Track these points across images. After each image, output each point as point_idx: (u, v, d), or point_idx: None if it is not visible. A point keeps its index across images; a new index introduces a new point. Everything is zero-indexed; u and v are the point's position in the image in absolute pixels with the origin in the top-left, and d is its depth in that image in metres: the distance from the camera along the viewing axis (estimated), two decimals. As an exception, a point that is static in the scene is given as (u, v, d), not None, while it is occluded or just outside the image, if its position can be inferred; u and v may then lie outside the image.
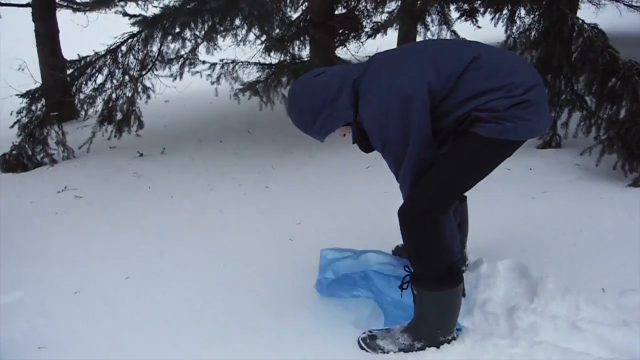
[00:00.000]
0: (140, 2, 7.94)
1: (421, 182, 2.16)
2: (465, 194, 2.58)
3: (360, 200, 3.84)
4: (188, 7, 5.57)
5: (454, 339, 2.23)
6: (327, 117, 2.19)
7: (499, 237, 3.06)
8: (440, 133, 2.15)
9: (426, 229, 2.15)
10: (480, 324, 2.33)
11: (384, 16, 7.98)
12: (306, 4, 6.82)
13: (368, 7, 7.65)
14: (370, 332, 2.31)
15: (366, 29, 7.75)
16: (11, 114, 5.55)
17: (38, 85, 5.96)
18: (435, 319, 2.21)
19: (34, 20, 7.00)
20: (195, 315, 2.62)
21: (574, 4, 4.70)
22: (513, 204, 3.50)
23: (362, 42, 7.60)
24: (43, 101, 5.66)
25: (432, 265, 2.18)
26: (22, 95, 5.57)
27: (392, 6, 7.85)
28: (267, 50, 6.44)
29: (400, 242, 2.94)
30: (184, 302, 2.74)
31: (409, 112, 2.05)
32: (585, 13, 5.20)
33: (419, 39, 7.42)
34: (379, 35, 8.21)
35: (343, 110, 2.18)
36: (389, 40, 8.43)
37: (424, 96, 2.04)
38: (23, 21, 7.43)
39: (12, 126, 5.54)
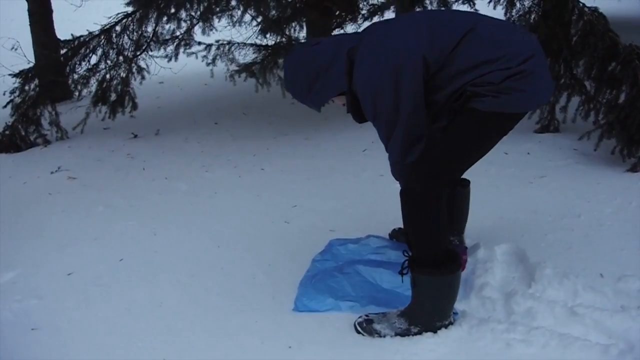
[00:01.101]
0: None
1: (422, 161, 2.13)
2: (468, 179, 2.56)
3: (356, 183, 3.82)
4: (183, -14, 5.50)
5: (451, 323, 2.21)
6: (322, 86, 2.15)
7: (496, 222, 3.05)
8: (433, 107, 2.11)
9: (428, 208, 2.13)
10: (477, 309, 2.31)
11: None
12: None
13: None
14: (366, 316, 2.30)
15: (363, 11, 7.67)
16: (4, 94, 5.49)
17: (31, 65, 5.89)
18: (433, 304, 2.19)
19: (28, 0, 6.91)
20: (189, 297, 2.60)
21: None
22: (510, 189, 3.48)
23: (359, 24, 7.53)
24: (36, 81, 5.58)
25: (433, 248, 2.15)
26: (15, 75, 5.49)
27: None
28: (263, 31, 6.37)
29: (396, 225, 2.93)
30: (178, 284, 2.71)
31: (402, 80, 2.00)
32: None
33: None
34: (375, 18, 8.14)
35: (337, 79, 2.13)
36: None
37: (417, 65, 2.00)
38: (16, 0, 7.33)
39: (5, 106, 5.48)
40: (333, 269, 2.62)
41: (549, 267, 2.44)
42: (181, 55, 5.98)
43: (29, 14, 6.97)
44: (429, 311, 2.19)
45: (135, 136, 5.46)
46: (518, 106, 2.06)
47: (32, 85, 5.54)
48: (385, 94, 2.04)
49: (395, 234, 2.97)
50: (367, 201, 3.48)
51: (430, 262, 2.15)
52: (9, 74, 5.50)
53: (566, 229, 2.93)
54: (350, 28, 7.41)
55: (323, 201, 3.55)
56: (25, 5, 6.95)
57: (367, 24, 7.67)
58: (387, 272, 2.51)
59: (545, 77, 2.12)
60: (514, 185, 3.53)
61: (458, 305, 2.28)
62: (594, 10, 4.23)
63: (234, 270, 2.81)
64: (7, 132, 5.35)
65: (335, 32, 6.87)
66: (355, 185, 3.77)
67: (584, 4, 4.26)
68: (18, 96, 5.48)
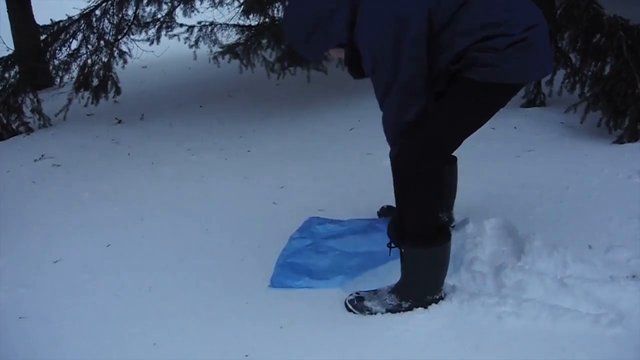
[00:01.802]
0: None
1: (416, 131, 2.10)
2: (455, 154, 2.54)
3: (343, 162, 3.79)
4: (163, -33, 5.42)
5: (442, 298, 2.21)
6: (321, 36, 2.08)
7: (484, 197, 3.04)
8: (434, 69, 2.05)
9: (420, 180, 2.10)
10: (468, 283, 2.31)
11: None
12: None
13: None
14: (357, 293, 2.29)
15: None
16: (-16, 83, 5.40)
17: (11, 52, 5.79)
18: (423, 278, 2.18)
19: (3, -15, 6.80)
20: (178, 281, 2.58)
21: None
22: (498, 163, 3.47)
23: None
24: (17, 68, 5.49)
25: (423, 221, 2.14)
26: (-5, 63, 5.41)
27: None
28: (246, 12, 6.29)
29: (385, 203, 2.92)
30: (167, 269, 2.69)
31: (404, 34, 1.95)
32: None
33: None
34: None
35: (336, 30, 2.07)
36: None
37: (421, 20, 1.94)
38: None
39: (-15, 95, 5.39)
40: (309, 248, 2.63)
41: (538, 239, 2.44)
42: (163, 38, 5.90)
43: (6, 1, 6.84)
44: (420, 285, 2.19)
45: (120, 121, 5.40)
46: (517, 77, 2.03)
47: (13, 73, 5.45)
48: (386, 47, 1.98)
49: (384, 212, 2.96)
50: (355, 180, 3.46)
51: (419, 235, 2.13)
52: (-11, 62, 5.41)
53: (554, 202, 2.93)
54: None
55: (311, 182, 3.53)
56: (2, -9, 6.83)
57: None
58: (362, 238, 2.51)
59: (547, 49, 2.08)
60: (501, 160, 3.52)
61: (448, 280, 2.27)
62: (578, -18, 4.20)
63: (223, 253, 2.79)
64: (-12, 121, 5.27)
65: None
66: (344, 165, 3.75)
67: (567, -24, 4.23)
68: (-2, 84, 5.39)
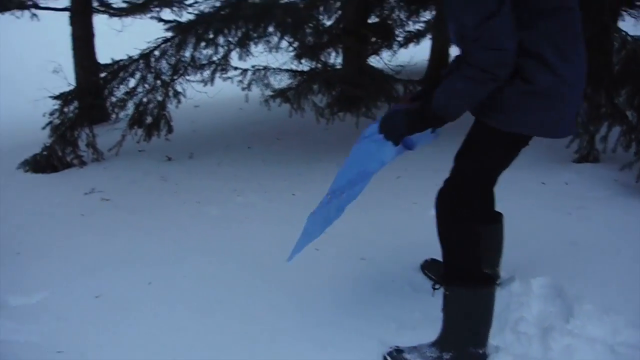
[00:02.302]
0: (174, 8, 8.04)
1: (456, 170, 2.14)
2: (502, 210, 2.50)
3: (388, 210, 3.75)
4: (222, 13, 5.56)
5: (486, 356, 2.13)
6: None
7: (532, 254, 2.95)
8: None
9: (460, 220, 2.12)
10: (513, 344, 2.22)
11: (418, 26, 7.92)
12: (340, 12, 6.77)
13: (401, 16, 7.58)
14: (396, 347, 2.23)
15: (399, 38, 7.68)
16: (44, 116, 5.59)
17: (71, 87, 6.01)
18: (465, 325, 2.11)
19: (71, 24, 7.07)
20: (214, 324, 2.57)
21: (616, 15, 4.56)
22: (547, 220, 3.38)
23: (394, 51, 7.54)
24: (76, 103, 5.69)
25: (467, 261, 2.11)
26: (56, 97, 5.60)
27: (426, 16, 7.78)
28: (298, 57, 6.40)
29: (429, 255, 2.87)
30: (205, 311, 2.68)
31: None
32: (627, 25, 5.04)
33: (454, 50, 7.33)
34: (411, 45, 8.15)
35: None
36: (421, 49, 8.37)
37: None
38: (58, 24, 7.54)
39: (44, 127, 5.58)
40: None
41: (589, 302, 2.35)
42: (217, 80, 6.03)
43: (72, 39, 7.13)
44: (461, 333, 2.12)
45: (169, 159, 5.50)
46: (528, 129, 2.01)
47: (72, 108, 5.64)
48: None
49: (428, 265, 2.90)
50: (400, 229, 3.41)
51: (463, 276, 2.10)
52: (50, 96, 5.61)
53: (606, 263, 2.82)
54: (385, 55, 7.43)
55: (354, 229, 3.49)
56: (67, 29, 7.12)
57: (403, 51, 7.69)
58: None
59: (572, 111, 2.06)
60: (551, 216, 3.42)
61: (492, 341, 2.20)
62: (637, 38, 4.13)
63: (260, 299, 2.77)
64: (44, 153, 5.43)
65: (371, 59, 6.90)
66: (388, 213, 3.70)
67: (626, 33, 4.17)
68: (57, 118, 5.58)
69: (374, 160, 2.20)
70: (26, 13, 7.56)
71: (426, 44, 8.31)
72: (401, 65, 6.47)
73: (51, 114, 5.58)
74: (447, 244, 2.17)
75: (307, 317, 2.54)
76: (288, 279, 2.92)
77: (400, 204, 3.81)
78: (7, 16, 7.63)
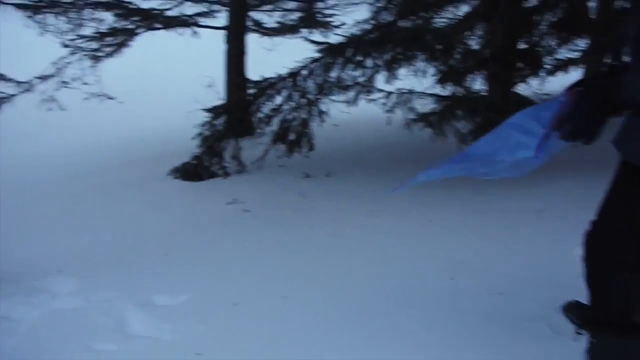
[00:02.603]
0: (322, 30, 8.25)
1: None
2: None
3: (528, 245, 3.58)
4: (372, 36, 5.61)
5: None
6: None
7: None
8: None
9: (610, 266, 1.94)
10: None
11: (568, 54, 7.54)
12: (487, 37, 6.60)
13: (552, 44, 7.26)
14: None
15: (547, 66, 7.34)
16: (194, 127, 5.92)
17: (222, 102, 6.32)
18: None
19: (227, 42, 7.47)
20: (346, 346, 2.55)
21: None
22: None
23: (543, 79, 7.21)
24: (225, 117, 5.98)
25: (619, 308, 1.93)
26: (208, 110, 5.93)
27: (580, 44, 7.39)
28: (441, 81, 6.31)
29: (569, 297, 2.67)
30: (338, 331, 2.68)
31: None
32: None
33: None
34: (559, 74, 7.75)
35: None
36: (572, 78, 7.94)
37: None
38: (210, 42, 7.97)
39: (194, 138, 5.91)
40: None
41: None
42: (361, 101, 6.08)
43: (226, 55, 7.51)
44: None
45: (308, 176, 5.61)
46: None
47: (221, 121, 5.94)
48: None
49: (570, 307, 2.70)
50: (539, 267, 3.23)
51: (612, 323, 1.92)
52: (202, 109, 5.95)
53: None
54: (533, 83, 7.14)
55: (491, 261, 3.36)
56: (217, 46, 7.50)
57: (551, 79, 7.35)
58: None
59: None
60: None
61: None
62: None
63: (389, 324, 2.72)
64: (193, 162, 5.75)
65: (518, 86, 6.66)
66: (528, 248, 3.53)
67: None
68: (207, 130, 5.89)
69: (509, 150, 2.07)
70: (187, 30, 8.05)
71: (576, 74, 7.88)
72: (549, 94, 6.17)
73: (202, 125, 5.90)
74: (595, 289, 2.01)
75: (438, 345, 2.46)
76: (421, 306, 2.86)
77: (541, 240, 3.64)
78: (166, 32, 8.17)
